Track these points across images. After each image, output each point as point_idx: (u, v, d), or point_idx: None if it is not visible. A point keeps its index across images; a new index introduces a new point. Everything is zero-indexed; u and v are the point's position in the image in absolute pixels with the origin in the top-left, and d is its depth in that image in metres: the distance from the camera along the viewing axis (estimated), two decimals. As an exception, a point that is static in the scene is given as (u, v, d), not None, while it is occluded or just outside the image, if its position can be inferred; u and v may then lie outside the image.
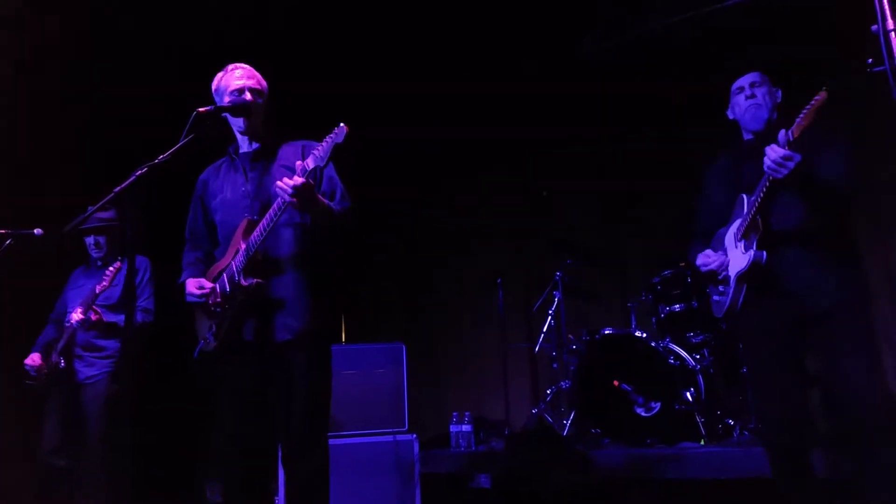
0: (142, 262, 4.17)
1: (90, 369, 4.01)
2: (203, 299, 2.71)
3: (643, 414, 4.22)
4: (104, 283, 3.83)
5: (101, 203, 2.39)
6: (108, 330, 3.98)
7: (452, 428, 4.67)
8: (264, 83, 2.87)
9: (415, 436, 4.09)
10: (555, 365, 5.24)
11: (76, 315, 3.84)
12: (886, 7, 1.62)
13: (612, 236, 5.89)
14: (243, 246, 2.61)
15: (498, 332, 5.66)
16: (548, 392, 5.14)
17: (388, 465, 4.01)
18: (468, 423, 4.65)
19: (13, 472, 4.29)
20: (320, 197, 2.62)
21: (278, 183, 2.48)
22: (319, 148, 2.45)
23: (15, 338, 4.25)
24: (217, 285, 2.69)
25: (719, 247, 2.84)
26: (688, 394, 4.21)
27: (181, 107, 2.55)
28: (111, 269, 3.87)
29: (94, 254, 4.18)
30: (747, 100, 2.83)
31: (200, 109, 2.53)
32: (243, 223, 2.67)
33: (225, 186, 2.83)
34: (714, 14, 5.02)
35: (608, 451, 4.12)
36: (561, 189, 5.73)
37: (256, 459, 2.68)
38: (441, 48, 5.67)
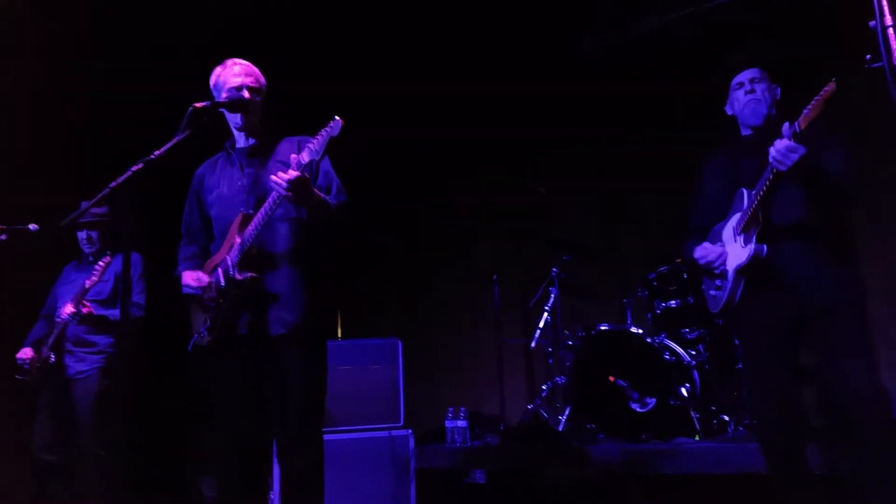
0: (134, 258, 4.15)
1: (80, 364, 4.00)
2: (200, 291, 2.70)
3: (638, 409, 4.23)
4: (94, 278, 3.83)
5: (96, 198, 2.38)
6: (98, 324, 3.98)
7: (448, 423, 4.67)
8: (263, 80, 2.86)
9: (410, 431, 4.09)
10: (550, 361, 5.25)
11: (67, 309, 3.84)
12: (884, 3, 1.62)
13: (609, 233, 5.90)
14: (238, 240, 2.61)
15: (494, 328, 5.66)
16: (543, 388, 5.15)
17: (384, 460, 4.01)
18: (464, 419, 4.65)
19: (5, 467, 4.28)
20: (316, 191, 2.61)
21: (273, 177, 2.47)
22: (314, 141, 2.44)
23: (7, 334, 4.24)
24: (212, 279, 2.69)
25: (717, 241, 2.84)
26: (683, 389, 4.22)
27: (178, 103, 2.54)
28: (101, 263, 3.87)
29: (86, 249, 4.18)
30: (747, 95, 2.84)
31: (197, 105, 2.52)
32: (239, 217, 2.66)
33: (221, 181, 2.83)
34: (713, 11, 5.02)
35: (603, 446, 4.13)
36: (558, 186, 5.72)
37: (250, 454, 2.69)
38: (441, 47, 5.67)
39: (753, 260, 2.63)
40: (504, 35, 5.58)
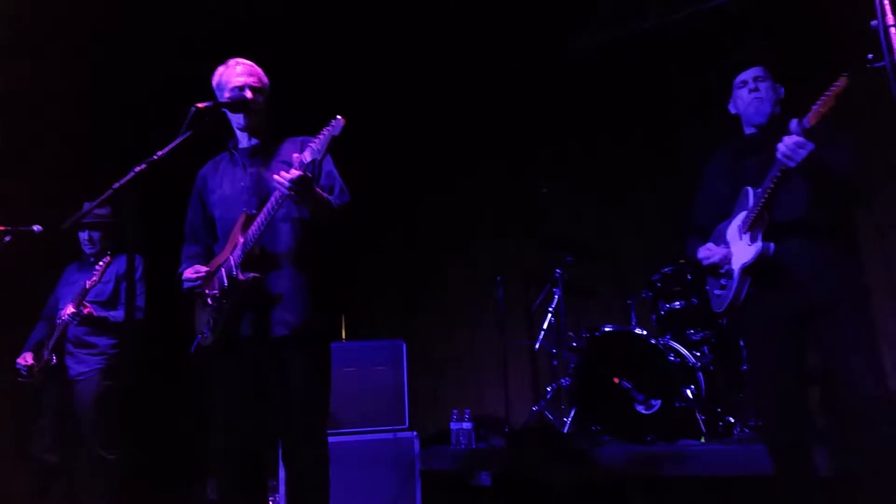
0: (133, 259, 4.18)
1: (81, 366, 4.02)
2: (199, 282, 2.70)
3: (643, 411, 4.22)
4: (94, 278, 3.85)
5: (99, 199, 2.39)
6: (99, 325, 3.99)
7: (453, 425, 4.66)
8: (266, 80, 2.86)
9: (415, 433, 4.09)
10: (555, 362, 5.24)
11: (68, 310, 3.86)
12: (886, 2, 1.61)
13: (612, 234, 5.89)
14: (241, 240, 2.61)
15: (498, 330, 5.66)
16: (548, 389, 5.14)
17: (389, 462, 4.01)
18: (468, 421, 4.64)
19: (8, 469, 4.29)
20: (318, 190, 2.61)
21: (276, 176, 2.47)
22: (316, 141, 2.44)
23: (10, 335, 4.26)
24: (215, 279, 2.69)
25: (720, 241, 2.83)
26: (688, 391, 4.20)
27: (181, 103, 2.54)
28: (101, 263, 3.89)
29: (88, 249, 4.19)
30: (751, 93, 2.83)
31: (199, 105, 2.52)
32: (241, 218, 2.67)
33: (224, 182, 2.83)
34: (715, 10, 5.01)
35: (608, 448, 4.12)
36: (561, 186, 5.72)
37: (253, 455, 2.68)
38: (441, 49, 5.67)
39: (760, 258, 2.62)
40: (504, 33, 5.58)
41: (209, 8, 4.73)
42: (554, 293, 5.21)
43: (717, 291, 2.86)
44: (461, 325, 6.52)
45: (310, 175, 2.49)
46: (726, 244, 2.79)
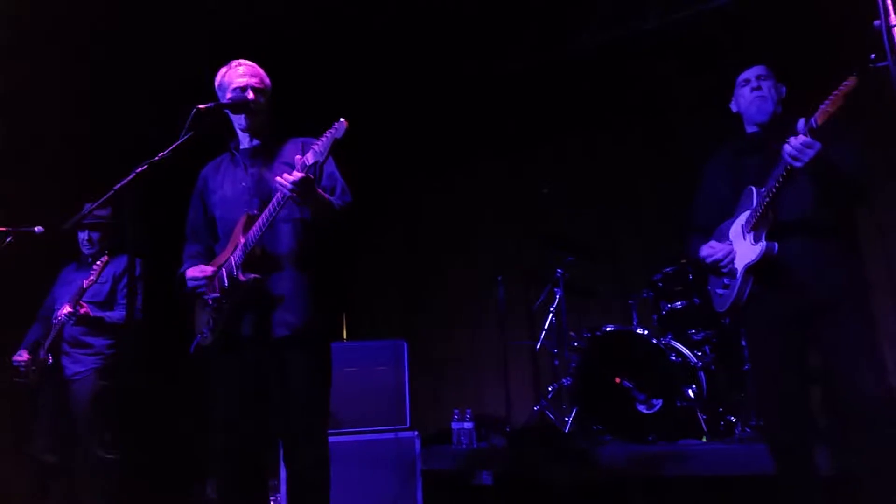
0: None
1: (77, 366, 4.03)
2: (203, 282, 2.70)
3: (645, 411, 4.22)
4: (91, 278, 3.85)
5: (100, 200, 2.40)
6: (95, 325, 4.00)
7: (454, 425, 4.67)
8: (268, 81, 2.86)
9: (416, 433, 4.09)
10: (556, 362, 5.23)
11: (64, 310, 3.86)
12: (889, 2, 1.61)
13: (613, 233, 5.88)
14: (242, 241, 2.61)
15: (499, 330, 5.65)
16: (549, 389, 5.14)
17: (390, 462, 4.01)
18: (469, 421, 4.64)
19: (7, 469, 4.30)
20: (320, 192, 2.61)
21: (278, 178, 2.47)
22: (319, 143, 2.44)
23: (10, 336, 4.26)
24: (215, 280, 2.69)
25: (723, 239, 2.82)
26: (689, 391, 4.20)
27: (183, 104, 2.54)
28: (98, 263, 3.89)
29: (86, 250, 4.20)
30: (753, 92, 2.82)
31: (201, 106, 2.53)
32: (243, 218, 2.66)
33: (225, 182, 2.83)
34: (714, 10, 5.01)
35: (610, 448, 4.12)
36: (561, 186, 5.72)
37: (253, 455, 2.68)
38: (441, 48, 5.66)
39: (765, 257, 2.62)
40: (504, 31, 5.58)
41: (209, 8, 4.73)
42: (555, 293, 5.21)
43: (719, 291, 2.85)
44: (462, 325, 6.52)
45: (312, 177, 2.49)
46: (729, 242, 2.79)
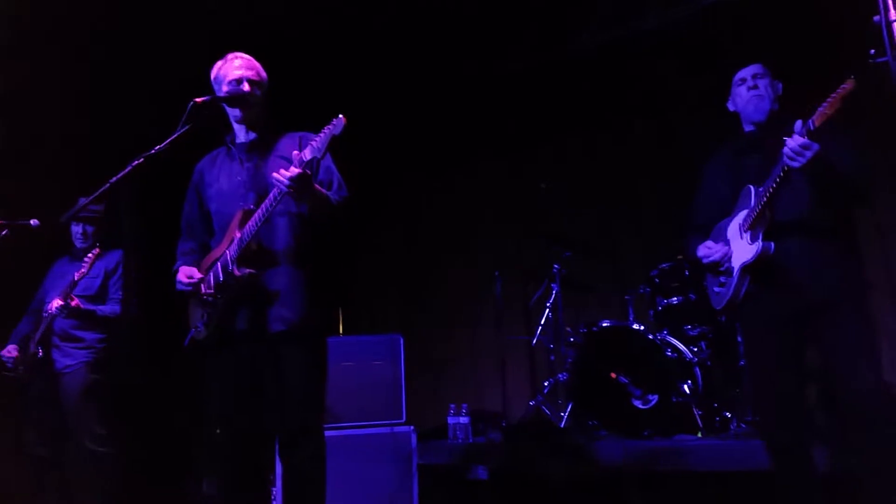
0: (120, 255, 4.21)
1: (67, 359, 4.03)
2: (191, 288, 2.70)
3: (641, 406, 4.23)
4: (83, 270, 3.85)
5: (96, 193, 2.39)
6: (86, 318, 3.99)
7: (450, 420, 4.67)
8: (264, 74, 2.85)
9: (412, 427, 4.09)
10: (552, 357, 5.24)
11: (56, 303, 3.85)
12: (888, -3, 1.61)
13: (610, 229, 5.88)
14: (238, 235, 2.60)
15: (496, 325, 5.66)
16: (545, 384, 5.14)
17: (386, 456, 4.01)
18: (466, 415, 4.65)
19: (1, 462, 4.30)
20: (317, 187, 2.61)
21: (275, 174, 2.47)
22: (317, 139, 2.43)
23: (3, 329, 4.25)
24: (210, 274, 2.68)
25: (721, 238, 2.82)
26: (685, 386, 4.21)
27: (181, 103, 2.54)
28: (90, 255, 3.88)
29: (80, 244, 4.19)
30: (749, 90, 2.82)
31: (197, 99, 2.53)
32: (239, 213, 2.66)
33: (220, 176, 2.82)
34: (714, 8, 5.00)
35: (605, 443, 4.12)
36: (559, 182, 5.71)
37: (250, 449, 2.68)
38: (440, 44, 5.65)
39: (760, 257, 2.62)
40: (503, 29, 5.57)
41: (209, 8, 4.72)
42: (552, 288, 5.21)
43: (716, 289, 2.86)
44: (459, 321, 6.52)
45: (309, 173, 2.48)
46: (726, 242, 2.79)
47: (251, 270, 2.60)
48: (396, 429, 4.06)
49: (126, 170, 2.37)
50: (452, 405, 4.75)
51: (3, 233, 3.73)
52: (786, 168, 2.48)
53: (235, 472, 2.65)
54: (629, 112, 5.86)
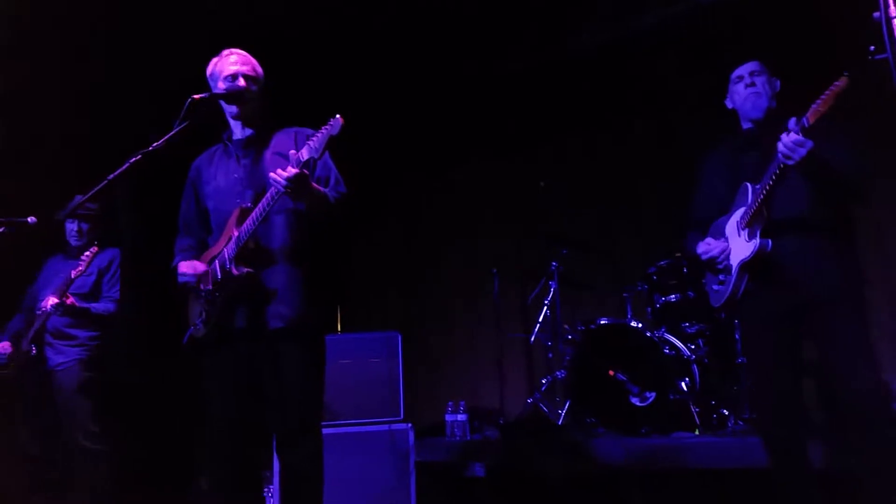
0: (115, 253, 4.22)
1: (60, 357, 4.02)
2: (194, 279, 2.69)
3: (638, 403, 4.23)
4: (80, 268, 3.84)
5: (93, 190, 2.38)
6: (81, 316, 3.99)
7: (448, 417, 4.67)
8: (260, 70, 2.84)
9: (410, 425, 4.09)
10: (550, 355, 5.25)
11: (50, 300, 3.84)
12: (888, -7, 1.61)
13: (608, 227, 5.89)
14: (235, 234, 2.60)
15: (493, 322, 5.66)
16: (543, 382, 5.15)
17: (384, 453, 4.01)
18: (463, 413, 4.65)
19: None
20: (315, 185, 2.60)
21: (272, 174, 2.46)
22: (314, 139, 2.42)
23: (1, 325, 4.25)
24: (208, 271, 2.68)
25: (719, 235, 2.83)
26: (683, 384, 4.22)
27: (180, 97, 2.53)
28: (87, 253, 3.88)
29: (74, 241, 4.18)
30: (747, 88, 2.83)
31: (195, 96, 2.52)
32: (236, 211, 2.65)
33: (218, 173, 2.82)
34: (713, 4, 5.00)
35: (603, 440, 4.13)
36: (557, 180, 5.72)
37: (246, 448, 2.67)
38: (439, 41, 5.65)
39: (758, 254, 2.62)
40: (501, 26, 5.56)
41: (209, 8, 4.71)
42: (550, 286, 5.22)
43: (715, 286, 2.86)
44: (457, 318, 6.52)
45: (306, 172, 2.48)
46: (725, 239, 2.79)
47: (249, 269, 2.60)
48: (394, 426, 4.06)
49: (123, 167, 2.36)
50: (450, 402, 4.75)
51: (1, 230, 3.72)
52: (781, 165, 2.48)
53: (231, 470, 2.65)
54: (627, 111, 5.86)
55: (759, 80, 2.83)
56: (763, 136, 2.75)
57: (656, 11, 5.25)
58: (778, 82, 2.87)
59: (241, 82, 2.73)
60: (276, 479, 3.70)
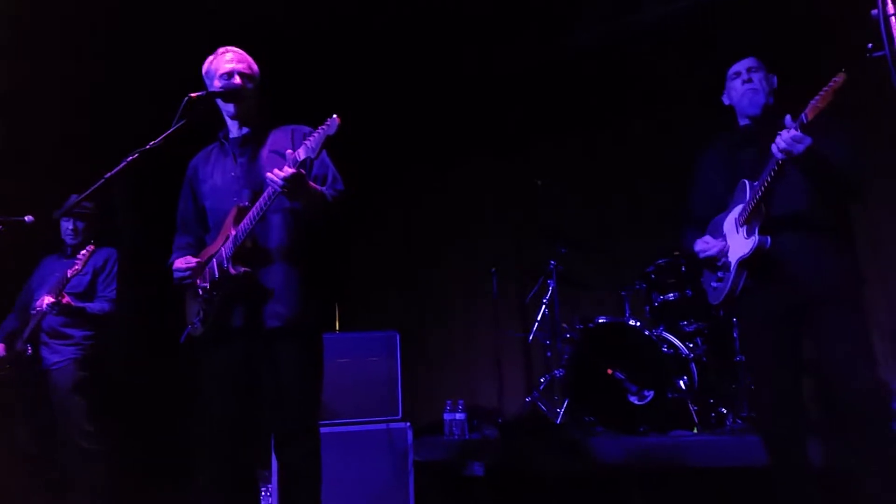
0: (110, 253, 4.22)
1: (56, 356, 4.02)
2: (189, 273, 2.69)
3: (636, 402, 4.23)
4: (77, 267, 3.84)
5: (91, 188, 2.37)
6: (77, 315, 3.99)
7: (446, 416, 4.67)
8: (255, 67, 2.84)
9: (408, 424, 4.08)
10: (548, 353, 5.25)
11: (46, 300, 3.83)
12: (886, -9, 1.60)
13: (606, 225, 5.89)
14: (233, 233, 2.59)
15: (492, 321, 5.66)
16: (541, 380, 5.15)
17: (382, 452, 4.00)
18: (462, 412, 4.65)
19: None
20: (312, 184, 2.60)
21: (269, 174, 2.46)
22: (311, 139, 2.42)
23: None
24: (206, 270, 2.67)
25: (717, 233, 2.82)
26: (681, 382, 4.22)
27: (179, 97, 2.53)
28: (83, 252, 3.87)
29: (69, 240, 4.18)
30: (744, 84, 2.82)
31: (192, 94, 2.52)
32: (234, 210, 2.65)
33: (214, 172, 2.81)
34: (712, 2, 5.00)
35: (601, 439, 4.13)
36: (555, 178, 5.72)
37: (242, 447, 2.67)
38: (437, 38, 5.64)
39: (757, 251, 2.62)
40: (499, 24, 5.56)
41: (209, 8, 4.70)
42: (548, 284, 5.21)
43: (713, 284, 2.86)
44: (455, 317, 6.52)
45: (303, 172, 2.47)
46: (723, 236, 2.79)
47: (247, 269, 2.59)
48: (392, 425, 4.05)
49: (121, 165, 2.36)
50: (449, 401, 4.75)
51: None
52: (780, 161, 2.48)
53: (227, 470, 2.64)
54: (626, 110, 5.87)
55: (756, 77, 2.82)
56: (760, 132, 2.75)
57: (655, 10, 5.24)
58: (775, 78, 2.86)
59: (237, 80, 2.73)
60: (275, 478, 3.70)
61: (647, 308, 4.76)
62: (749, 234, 2.66)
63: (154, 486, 4.64)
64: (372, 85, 5.92)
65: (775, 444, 2.71)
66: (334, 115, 2.40)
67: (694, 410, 4.15)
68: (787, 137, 2.40)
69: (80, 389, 3.98)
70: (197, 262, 2.70)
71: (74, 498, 3.94)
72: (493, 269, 5.56)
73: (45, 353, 4.02)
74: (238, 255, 2.59)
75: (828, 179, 2.55)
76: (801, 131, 2.38)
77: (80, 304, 3.99)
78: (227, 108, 2.78)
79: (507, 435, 4.59)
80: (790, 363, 2.66)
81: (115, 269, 4.18)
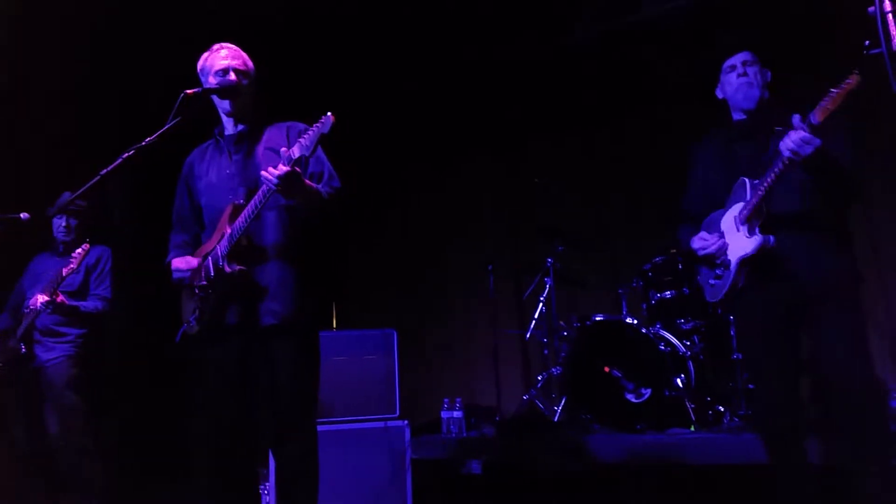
0: (103, 251, 4.21)
1: (49, 353, 4.02)
2: (189, 274, 2.68)
3: (634, 400, 4.23)
4: (72, 266, 3.82)
5: (86, 186, 2.36)
6: (71, 314, 3.98)
7: (443, 414, 4.67)
8: (251, 64, 2.83)
9: (406, 422, 4.08)
10: (546, 351, 5.24)
11: (41, 298, 3.82)
12: (884, -11, 1.60)
13: (604, 223, 5.89)
14: (228, 231, 2.59)
15: (489, 319, 5.66)
16: (539, 378, 5.14)
17: (380, 451, 4.00)
18: (459, 410, 4.65)
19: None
20: (307, 182, 2.59)
21: (263, 172, 2.45)
22: (305, 137, 2.41)
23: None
24: (201, 268, 2.67)
25: (714, 230, 2.81)
26: (678, 380, 4.22)
27: (173, 93, 2.52)
28: (78, 251, 3.86)
29: (62, 237, 4.16)
30: (739, 78, 2.80)
31: (188, 91, 2.51)
32: (229, 208, 2.64)
33: (210, 169, 2.81)
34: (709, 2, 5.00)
35: (599, 437, 4.13)
36: (552, 176, 5.71)
37: (240, 445, 2.66)
38: (434, 35, 5.64)
39: (761, 250, 2.61)
40: (496, 22, 5.56)
41: (209, 8, 4.69)
42: (545, 282, 5.21)
43: (712, 281, 2.84)
44: (452, 314, 6.52)
45: (298, 170, 2.47)
46: (720, 234, 2.78)
47: (242, 267, 2.59)
48: (390, 423, 4.06)
49: (116, 162, 2.35)
50: (446, 399, 4.75)
51: None
52: (786, 162, 2.45)
53: (224, 468, 2.64)
54: (623, 108, 5.86)
55: (751, 70, 2.80)
56: (756, 127, 2.74)
57: (654, 9, 5.24)
58: (769, 72, 2.84)
59: (232, 76, 2.72)
60: (272, 476, 3.70)
61: (644, 306, 4.76)
62: (751, 232, 2.65)
63: (152, 484, 4.65)
64: (370, 83, 5.92)
65: (774, 442, 2.70)
66: (329, 113, 2.39)
67: (691, 408, 4.15)
68: (796, 139, 2.37)
69: (75, 386, 3.98)
70: (198, 263, 2.69)
71: (72, 497, 3.94)
72: (491, 267, 5.55)
73: (38, 351, 4.01)
74: (233, 253, 2.58)
75: (833, 181, 2.53)
76: (811, 132, 2.35)
77: (74, 303, 3.98)
78: (223, 104, 2.77)
79: (504, 433, 4.59)
80: (789, 362, 2.66)
81: (109, 266, 4.17)
